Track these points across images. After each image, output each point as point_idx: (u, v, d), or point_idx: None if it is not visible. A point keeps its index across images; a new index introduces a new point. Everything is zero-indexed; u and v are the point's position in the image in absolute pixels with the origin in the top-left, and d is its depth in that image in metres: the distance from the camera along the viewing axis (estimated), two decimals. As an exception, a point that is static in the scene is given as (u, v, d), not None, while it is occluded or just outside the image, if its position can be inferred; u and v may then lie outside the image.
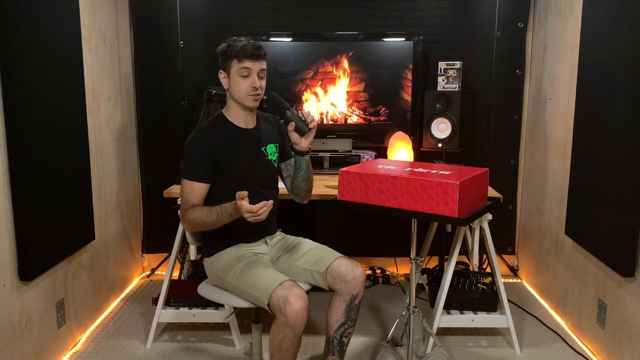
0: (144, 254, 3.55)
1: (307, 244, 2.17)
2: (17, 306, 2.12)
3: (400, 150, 2.89)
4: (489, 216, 2.53)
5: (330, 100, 3.22)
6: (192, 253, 2.89)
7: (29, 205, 2.13)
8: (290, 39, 3.18)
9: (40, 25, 2.20)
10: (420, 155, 3.21)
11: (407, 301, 2.37)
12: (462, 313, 2.61)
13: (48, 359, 2.36)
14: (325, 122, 3.23)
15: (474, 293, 2.61)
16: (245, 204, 1.74)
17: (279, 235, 2.23)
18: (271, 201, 1.77)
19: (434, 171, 2.03)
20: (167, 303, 2.62)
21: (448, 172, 1.99)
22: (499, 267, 2.60)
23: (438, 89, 3.12)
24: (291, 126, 2.00)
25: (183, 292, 2.65)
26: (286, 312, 1.76)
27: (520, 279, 3.51)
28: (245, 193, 1.75)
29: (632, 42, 2.14)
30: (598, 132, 2.41)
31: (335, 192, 2.30)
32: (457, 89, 3.09)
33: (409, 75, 3.16)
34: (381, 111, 3.22)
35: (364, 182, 2.03)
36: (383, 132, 3.20)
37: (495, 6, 3.07)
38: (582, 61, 2.60)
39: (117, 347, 2.61)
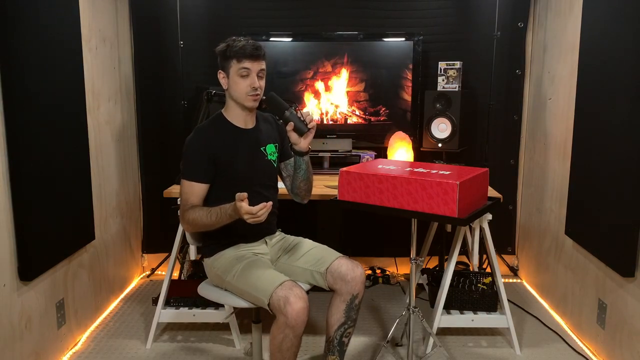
0: (144, 254, 3.55)
1: (307, 244, 2.17)
2: (17, 306, 2.12)
3: (400, 150, 2.89)
4: (489, 216, 2.53)
5: (330, 100, 3.22)
6: (192, 253, 2.89)
7: (29, 205, 2.13)
8: (290, 39, 3.18)
9: (40, 25, 2.20)
10: (420, 155, 3.21)
11: (407, 301, 2.37)
12: (462, 313, 2.61)
13: (48, 359, 2.36)
14: (325, 122, 3.23)
15: (474, 293, 2.61)
16: (244, 205, 1.74)
17: (278, 235, 2.23)
18: (270, 202, 1.77)
19: (434, 171, 2.03)
20: (167, 303, 2.62)
21: (448, 172, 1.99)
22: (499, 267, 2.60)
23: (438, 89, 3.12)
24: (290, 126, 2.00)
25: (183, 292, 2.65)
26: (286, 312, 1.76)
27: (520, 279, 3.52)
28: (245, 195, 1.75)
29: (632, 42, 2.14)
30: (598, 132, 2.41)
31: (335, 192, 2.30)
32: (457, 89, 3.10)
33: (409, 75, 3.16)
34: (381, 111, 3.22)
35: (364, 182, 2.03)
36: (383, 132, 3.20)
37: (495, 6, 3.07)
38: (582, 61, 2.60)
39: (117, 347, 2.61)
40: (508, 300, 2.59)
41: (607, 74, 2.34)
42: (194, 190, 1.99)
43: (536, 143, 3.25)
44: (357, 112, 3.23)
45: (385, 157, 3.03)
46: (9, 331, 2.07)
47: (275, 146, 2.16)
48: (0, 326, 2.01)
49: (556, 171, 2.94)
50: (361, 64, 3.17)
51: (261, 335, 2.14)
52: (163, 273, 3.47)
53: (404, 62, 3.15)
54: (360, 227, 3.51)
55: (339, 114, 3.23)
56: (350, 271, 2.00)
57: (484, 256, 3.14)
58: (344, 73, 3.18)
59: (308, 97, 3.21)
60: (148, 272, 3.55)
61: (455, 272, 2.62)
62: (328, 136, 3.18)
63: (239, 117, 2.07)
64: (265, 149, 2.11)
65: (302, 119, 2.01)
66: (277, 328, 1.81)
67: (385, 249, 3.56)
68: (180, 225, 2.51)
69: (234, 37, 1.99)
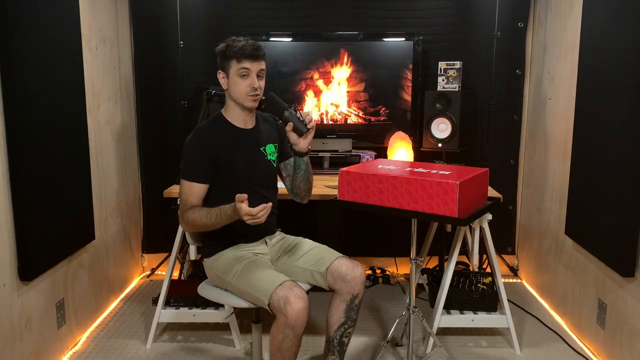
0: (144, 254, 3.55)
1: (307, 243, 2.17)
2: (17, 306, 2.12)
3: (400, 150, 2.89)
4: (489, 216, 2.53)
5: (330, 100, 3.22)
6: (192, 253, 2.89)
7: (29, 205, 2.13)
8: (290, 39, 3.18)
9: (40, 25, 2.20)
10: (420, 155, 3.21)
11: (407, 301, 2.37)
12: (462, 313, 2.61)
13: (48, 359, 2.36)
14: (325, 122, 3.23)
15: (474, 293, 2.61)
16: (244, 206, 1.74)
17: (278, 235, 2.23)
18: (270, 204, 1.77)
19: (434, 171, 2.03)
20: (167, 303, 2.62)
21: (448, 172, 1.99)
22: (499, 267, 2.60)
23: (438, 89, 3.12)
24: (289, 126, 2.00)
25: (183, 292, 2.65)
26: (287, 312, 1.76)
27: (520, 279, 3.51)
28: (245, 196, 1.75)
29: (632, 42, 2.14)
30: (598, 132, 2.41)
31: (335, 192, 2.29)
32: (457, 89, 3.10)
33: (409, 75, 3.16)
34: (381, 111, 3.22)
35: (364, 182, 2.03)
36: (383, 132, 3.20)
37: (495, 6, 3.07)
38: (582, 61, 2.60)
39: (117, 347, 2.61)
40: (508, 300, 2.59)
41: (607, 74, 2.34)
42: (193, 191, 1.99)
43: (536, 143, 3.25)
44: (357, 112, 3.23)
45: (385, 157, 3.03)
46: (9, 331, 2.07)
47: (275, 146, 2.16)
48: (0, 326, 2.01)
49: (556, 171, 2.94)
50: (361, 64, 3.17)
51: (261, 335, 2.14)
52: (163, 273, 3.47)
53: (404, 62, 3.15)
54: (360, 227, 3.51)
55: (339, 114, 3.23)
56: (350, 271, 2.00)
57: (484, 256, 3.14)
58: (344, 73, 3.18)
59: (308, 97, 3.21)
60: (148, 272, 3.55)
61: (455, 272, 2.62)
62: (328, 136, 3.18)
63: (238, 117, 2.07)
64: (264, 149, 2.11)
65: (301, 119, 2.01)
66: (277, 328, 1.81)
67: (385, 249, 3.56)
68: (180, 225, 2.51)
69: (233, 37, 1.99)
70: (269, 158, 2.12)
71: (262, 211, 1.75)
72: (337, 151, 3.18)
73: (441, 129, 3.09)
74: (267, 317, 1.93)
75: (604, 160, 2.35)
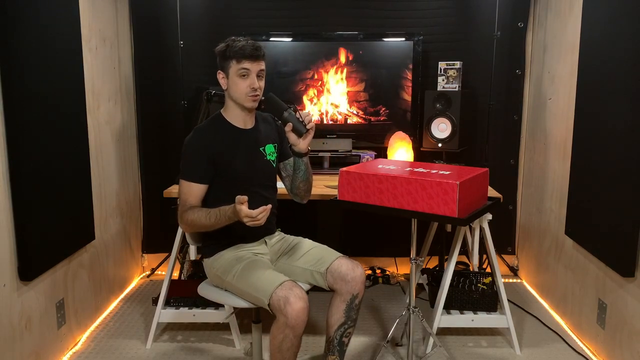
0: (144, 254, 3.55)
1: (307, 243, 2.17)
2: (17, 306, 2.12)
3: (400, 150, 2.89)
4: (489, 216, 2.53)
5: (330, 100, 3.22)
6: (192, 253, 2.89)
7: (29, 205, 2.13)
8: (290, 39, 3.18)
9: (40, 25, 2.20)
10: (420, 155, 3.21)
11: (407, 301, 2.37)
12: (462, 313, 2.61)
13: (48, 359, 2.36)
14: (325, 122, 3.23)
15: (474, 293, 2.61)
16: (244, 208, 1.74)
17: (278, 235, 2.23)
18: (269, 205, 1.77)
19: (434, 171, 2.03)
20: (167, 303, 2.62)
21: (448, 172, 1.99)
22: (499, 267, 2.60)
23: (438, 89, 3.12)
24: (289, 127, 2.00)
25: (183, 292, 2.65)
26: (286, 312, 1.76)
27: (520, 279, 3.51)
28: (245, 198, 1.75)
29: (632, 42, 2.14)
30: (598, 132, 2.41)
31: (335, 192, 2.29)
32: (457, 89, 3.10)
33: (409, 75, 3.16)
34: (381, 111, 3.22)
35: (364, 182, 2.03)
36: (383, 132, 3.21)
37: (495, 6, 3.07)
38: (582, 61, 2.60)
39: (117, 347, 2.61)
40: (508, 300, 2.59)
41: (607, 74, 2.34)
42: (192, 191, 1.98)
43: (536, 143, 3.25)
44: (357, 112, 3.23)
45: (385, 157, 3.03)
46: (9, 331, 2.07)
47: (274, 146, 2.16)
48: (0, 326, 2.01)
49: (556, 171, 2.94)
50: (361, 64, 3.17)
51: (261, 335, 2.14)
52: (163, 273, 3.47)
53: (404, 62, 3.15)
54: (360, 227, 3.51)
55: (339, 114, 3.23)
56: (350, 271, 2.00)
57: (484, 256, 3.14)
58: (344, 73, 3.18)
59: (308, 97, 3.21)
60: (148, 272, 3.55)
61: (455, 272, 2.62)
62: (328, 136, 3.18)
63: (238, 117, 2.07)
64: (264, 149, 2.11)
65: (300, 119, 2.00)
66: (277, 328, 1.81)
67: (385, 249, 3.56)
68: (179, 225, 2.51)
69: (233, 37, 1.98)
70: (268, 158, 2.12)
71: (262, 213, 1.75)
72: (337, 151, 3.18)
73: (441, 129, 3.09)
74: (267, 317, 1.93)
75: (604, 160, 2.35)
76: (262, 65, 1.99)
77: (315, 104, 3.21)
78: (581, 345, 2.63)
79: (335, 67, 3.17)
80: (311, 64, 3.17)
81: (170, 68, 3.27)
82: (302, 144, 2.03)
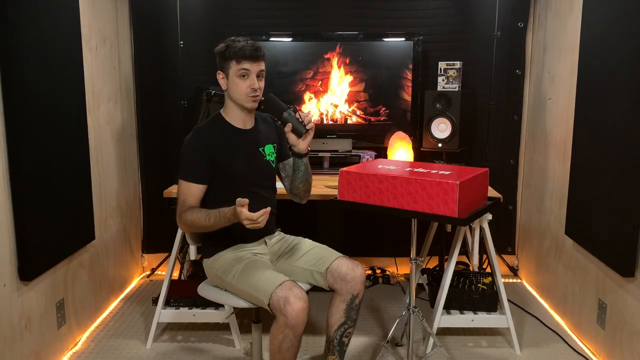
0: (144, 254, 3.55)
1: (307, 243, 2.17)
2: (17, 306, 2.12)
3: (400, 150, 2.89)
4: (489, 216, 2.53)
5: (330, 100, 3.22)
6: (192, 253, 2.89)
7: (29, 205, 2.13)
8: (290, 39, 3.18)
9: (40, 25, 2.20)
10: (420, 155, 3.21)
11: (407, 301, 2.37)
12: (462, 313, 2.61)
13: (48, 359, 2.36)
14: (325, 122, 3.23)
15: (474, 293, 2.61)
16: (245, 211, 1.74)
17: (278, 235, 2.23)
18: (269, 208, 1.78)
19: (434, 171, 2.03)
20: (167, 303, 2.62)
21: (448, 172, 1.99)
22: (499, 267, 2.60)
23: (438, 89, 3.12)
24: (288, 127, 1.99)
25: (183, 292, 2.65)
26: (286, 312, 1.76)
27: (520, 279, 3.51)
28: (246, 201, 1.75)
29: (632, 42, 2.14)
30: (598, 132, 2.41)
31: (335, 192, 2.29)
32: (457, 89, 3.10)
33: (409, 75, 3.16)
34: (381, 111, 3.22)
35: (364, 182, 2.03)
36: (383, 132, 3.20)
37: (495, 6, 3.07)
38: (582, 61, 2.60)
39: (117, 347, 2.61)
40: (508, 300, 2.59)
41: (607, 74, 2.34)
42: (191, 191, 1.98)
43: (536, 143, 3.25)
44: (357, 112, 3.23)
45: (385, 157, 3.03)
46: (9, 331, 2.07)
47: (274, 147, 2.16)
48: (0, 326, 2.01)
49: (556, 171, 2.94)
50: (361, 64, 3.17)
51: (261, 335, 2.14)
52: (163, 273, 3.47)
53: (404, 62, 3.15)
54: (360, 227, 3.51)
55: (339, 113, 3.23)
56: (350, 271, 2.00)
57: (484, 256, 3.14)
58: (344, 73, 3.18)
59: (308, 97, 3.21)
60: (148, 272, 3.55)
61: (455, 272, 2.62)
62: (328, 136, 3.18)
63: (237, 117, 2.06)
64: (263, 150, 2.11)
65: (300, 120, 2.00)
66: (277, 328, 1.81)
67: (385, 249, 3.56)
68: (178, 225, 2.51)
69: (232, 38, 1.98)
70: (267, 159, 2.12)
71: (262, 216, 1.75)
72: (337, 151, 3.18)
73: (441, 129, 3.09)
74: (267, 317, 1.93)
75: (604, 160, 2.35)
76: (262, 66, 1.99)
77: (315, 104, 3.21)
78: (581, 345, 2.63)
79: (335, 67, 3.17)
80: (311, 64, 3.17)
81: (170, 68, 3.27)
82: (301, 145, 2.03)
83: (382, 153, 3.23)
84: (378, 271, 3.52)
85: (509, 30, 3.27)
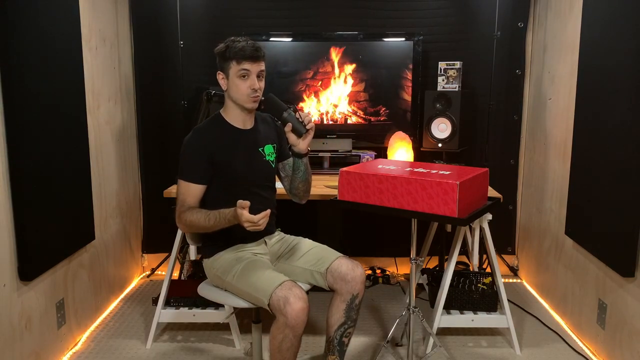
0: (144, 254, 3.55)
1: (307, 243, 2.17)
2: (17, 306, 2.12)
3: (400, 150, 2.89)
4: (489, 216, 2.53)
5: (330, 100, 3.22)
6: (192, 253, 2.89)
7: (29, 205, 2.13)
8: (290, 39, 3.18)
9: (40, 25, 2.20)
10: (420, 155, 3.21)
11: (407, 301, 2.37)
12: (462, 313, 2.61)
13: (48, 359, 2.36)
14: (325, 122, 3.23)
15: (474, 293, 2.61)
16: (245, 213, 1.74)
17: (278, 235, 2.23)
18: (269, 210, 1.78)
19: (434, 171, 2.03)
20: (167, 303, 2.62)
21: (448, 172, 1.99)
22: (499, 267, 2.60)
23: (438, 89, 3.12)
24: (288, 127, 1.99)
25: (183, 292, 2.65)
26: (286, 312, 1.76)
27: (520, 279, 3.51)
28: (247, 203, 1.75)
29: (632, 42, 2.14)
30: (598, 132, 2.41)
31: (335, 192, 2.29)
32: (457, 89, 3.10)
33: (409, 75, 3.16)
34: (381, 111, 3.22)
35: (364, 182, 2.03)
36: (383, 132, 3.20)
37: (495, 6, 3.07)
38: (582, 61, 2.60)
39: (117, 347, 2.61)
40: (508, 300, 2.59)
41: (607, 74, 2.34)
42: (190, 191, 1.98)
43: (536, 143, 3.25)
44: (357, 112, 3.23)
45: (385, 157, 3.03)
46: (9, 331, 2.07)
47: (274, 147, 2.16)
48: (0, 326, 2.01)
49: (556, 171, 2.94)
50: (361, 64, 3.17)
51: (261, 335, 2.14)
52: (163, 273, 3.47)
53: (404, 62, 3.15)
54: (360, 227, 3.51)
55: (339, 114, 3.23)
56: (350, 271, 2.00)
57: (484, 256, 3.14)
58: (344, 73, 3.18)
59: (308, 97, 3.21)
60: (148, 272, 3.55)
61: (455, 272, 2.62)
62: (328, 136, 3.18)
63: (237, 117, 2.06)
64: (263, 150, 2.11)
65: (300, 120, 2.00)
66: (277, 328, 1.81)
67: (385, 249, 3.56)
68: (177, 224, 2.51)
69: (232, 38, 1.98)
70: (267, 159, 2.12)
71: (263, 219, 1.75)
72: (337, 151, 3.18)
73: (441, 129, 3.09)
74: (267, 317, 1.93)
75: (604, 160, 2.35)
76: (262, 66, 1.98)
77: (315, 104, 3.21)
78: (581, 345, 2.63)
79: (335, 67, 3.17)
80: (311, 64, 3.17)
81: (170, 68, 3.27)
82: (301, 145, 2.03)
83: (382, 153, 3.23)
84: (378, 271, 3.52)
85: (509, 30, 3.27)
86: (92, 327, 2.79)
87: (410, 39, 3.13)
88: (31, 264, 2.16)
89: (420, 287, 3.27)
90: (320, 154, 3.16)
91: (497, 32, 3.07)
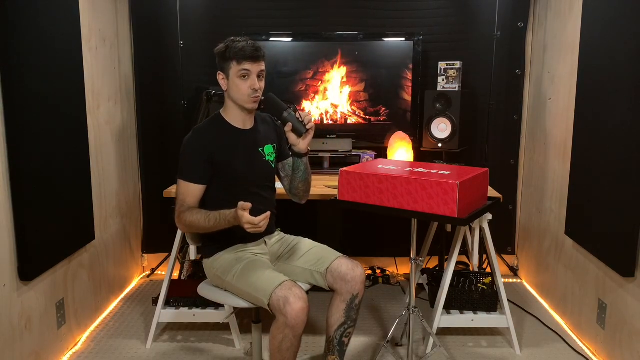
0: (144, 254, 3.55)
1: (307, 243, 2.17)
2: (17, 306, 2.12)
3: (400, 150, 2.89)
4: (489, 216, 2.53)
5: (330, 100, 3.22)
6: (192, 253, 2.89)
7: (29, 205, 2.13)
8: (290, 39, 3.18)
9: (40, 25, 2.20)
10: (420, 155, 3.21)
11: (407, 301, 2.37)
12: (462, 313, 2.61)
13: (48, 359, 2.36)
14: (325, 122, 3.23)
15: (474, 293, 2.61)
16: (246, 215, 1.74)
17: (278, 235, 2.23)
18: (269, 212, 1.78)
19: (434, 171, 2.03)
20: (167, 303, 2.62)
21: (448, 172, 1.99)
22: (499, 267, 2.60)
23: (438, 89, 3.12)
24: (288, 127, 1.99)
25: (183, 292, 2.65)
26: (286, 312, 1.76)
27: (520, 279, 3.51)
28: (249, 205, 1.75)
29: (632, 42, 2.14)
30: (598, 132, 2.41)
31: (335, 192, 2.29)
32: (457, 89, 3.09)
33: (409, 75, 3.16)
34: (381, 111, 3.22)
35: (364, 182, 2.03)
36: (383, 132, 3.20)
37: (495, 6, 3.07)
38: (582, 61, 2.60)
39: (117, 347, 2.61)
40: (508, 300, 2.59)
41: (607, 74, 2.34)
42: (190, 191, 1.98)
43: (536, 143, 3.25)
44: (357, 112, 3.23)
45: (385, 157, 3.03)
46: (9, 331, 2.07)
47: (273, 147, 2.16)
48: (0, 326, 2.01)
49: (556, 171, 2.94)
50: (361, 64, 3.17)
51: (261, 335, 2.14)
52: (163, 273, 3.47)
53: (404, 62, 3.15)
54: (360, 227, 3.51)
55: (339, 114, 3.23)
56: (350, 271, 2.00)
57: (484, 256, 3.14)
58: (344, 73, 3.18)
59: (308, 97, 3.21)
60: (148, 272, 3.55)
61: (455, 272, 2.62)
62: (328, 136, 3.18)
63: (237, 117, 2.06)
64: (263, 150, 2.11)
65: (300, 119, 2.00)
66: (277, 328, 1.81)
67: (385, 249, 3.56)
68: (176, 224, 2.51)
69: (232, 38, 1.98)
70: (267, 159, 2.12)
71: (264, 221, 1.75)
72: (337, 151, 3.18)
73: (441, 129, 3.09)
74: (267, 317, 1.93)
75: (604, 160, 2.35)
76: (262, 66, 1.98)
77: (315, 104, 3.21)
78: (581, 345, 2.63)
79: (335, 67, 3.17)
80: (311, 64, 3.17)
81: (170, 68, 3.27)
82: (302, 144, 2.03)
83: (382, 153, 3.23)
84: (378, 271, 3.52)
85: (509, 30, 3.27)
86: (92, 327, 2.79)
87: (410, 39, 3.13)
88: (31, 264, 2.16)
89: (420, 287, 3.27)
90: (320, 154, 3.16)
91: (497, 32, 3.08)
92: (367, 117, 3.23)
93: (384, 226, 3.46)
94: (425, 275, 3.21)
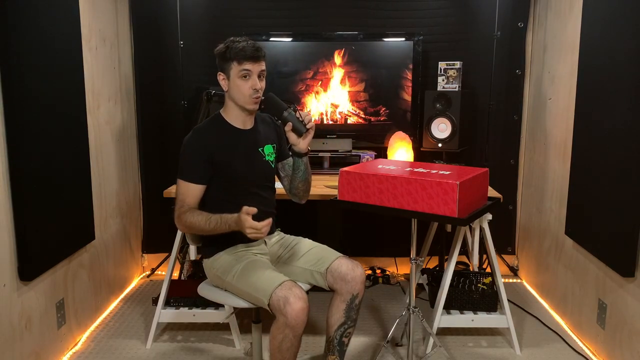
0: (144, 254, 3.55)
1: (307, 243, 2.17)
2: (17, 306, 2.12)
3: (400, 150, 2.89)
4: (489, 216, 2.53)
5: (330, 100, 3.22)
6: (192, 253, 2.89)
7: (29, 206, 2.13)
8: (290, 39, 3.18)
9: (40, 25, 2.20)
10: (420, 155, 3.21)
11: (407, 301, 2.37)
12: (462, 313, 2.61)
13: (48, 359, 2.36)
14: (325, 122, 3.23)
15: (474, 293, 2.61)
16: (249, 219, 1.74)
17: (277, 235, 2.23)
18: (270, 219, 1.78)
19: (434, 171, 2.03)
20: (167, 303, 2.62)
21: (448, 172, 1.99)
22: (499, 267, 2.60)
23: (438, 89, 3.12)
24: (288, 127, 1.99)
25: (183, 292, 2.65)
26: (286, 312, 1.76)
27: (520, 279, 3.51)
28: (254, 210, 1.75)
29: (632, 42, 2.14)
30: (598, 132, 2.41)
31: (335, 192, 2.29)
32: (457, 89, 3.10)
33: (409, 75, 3.16)
34: (381, 111, 3.22)
35: (364, 182, 2.03)
36: (383, 132, 3.20)
37: (495, 6, 3.07)
38: (582, 61, 2.60)
39: (117, 347, 2.61)
40: (508, 300, 2.59)
41: (607, 74, 2.34)
42: (190, 191, 1.98)
43: (536, 143, 3.25)
44: (357, 112, 3.23)
45: (385, 157, 3.03)
46: (9, 331, 2.07)
47: (273, 147, 2.16)
48: (0, 326, 2.01)
49: (556, 171, 2.94)
50: (361, 64, 3.17)
51: (261, 335, 2.14)
52: (163, 273, 3.47)
53: (404, 62, 3.15)
54: (360, 227, 3.51)
55: (339, 114, 3.23)
56: (350, 271, 2.00)
57: (484, 256, 3.14)
58: (344, 73, 3.18)
59: (308, 97, 3.21)
60: (148, 272, 3.55)
61: (455, 272, 2.62)
62: (328, 136, 3.18)
63: (237, 117, 2.06)
64: (263, 150, 2.11)
65: (300, 119, 2.00)
66: (277, 328, 1.81)
67: (385, 249, 3.56)
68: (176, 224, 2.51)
69: (232, 38, 1.98)
70: (267, 159, 2.12)
71: (266, 227, 1.75)
72: (337, 151, 3.18)
73: (441, 129, 3.09)
74: (267, 317, 1.93)
75: (604, 160, 2.35)
76: (262, 66, 1.98)
77: (315, 104, 3.21)
78: (581, 345, 2.63)
79: (335, 67, 3.17)
80: (311, 64, 3.17)
81: (170, 68, 3.27)
82: (302, 144, 2.03)
83: (382, 153, 3.23)
84: (378, 271, 3.52)
85: (509, 30, 3.27)
86: (92, 327, 2.79)
87: (410, 39, 3.13)
88: (31, 264, 2.16)
89: (420, 287, 3.27)
90: (320, 154, 3.16)
91: (497, 32, 3.08)
92: (367, 117, 3.23)
93: (384, 226, 3.47)
94: (425, 275, 3.21)
